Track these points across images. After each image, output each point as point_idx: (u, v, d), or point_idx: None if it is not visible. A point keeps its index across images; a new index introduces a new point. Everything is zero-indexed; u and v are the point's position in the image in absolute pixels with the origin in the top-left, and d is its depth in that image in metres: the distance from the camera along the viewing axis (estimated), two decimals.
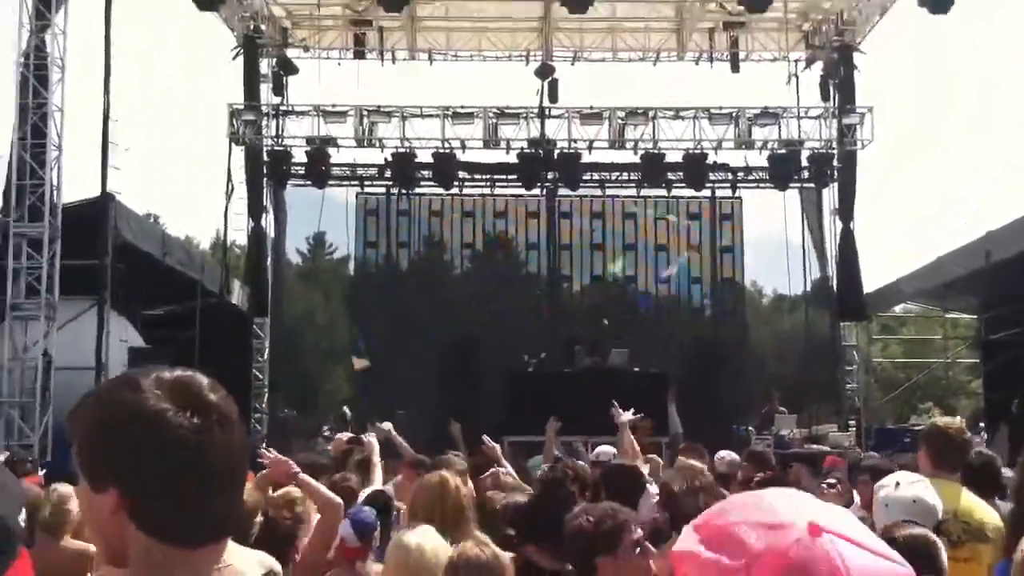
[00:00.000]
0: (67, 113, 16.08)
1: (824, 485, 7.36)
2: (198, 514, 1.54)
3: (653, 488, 5.22)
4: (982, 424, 17.05)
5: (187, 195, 66.54)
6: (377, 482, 6.80)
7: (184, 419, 1.51)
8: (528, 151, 21.28)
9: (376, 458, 7.25)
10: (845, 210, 21.85)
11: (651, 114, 21.20)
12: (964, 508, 4.69)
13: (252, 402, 19.49)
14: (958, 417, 5.28)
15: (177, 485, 1.51)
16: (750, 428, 17.48)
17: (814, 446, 16.49)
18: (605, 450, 9.09)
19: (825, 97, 22.29)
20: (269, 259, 21.99)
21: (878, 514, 4.01)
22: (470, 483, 5.66)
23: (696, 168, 21.35)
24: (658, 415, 16.08)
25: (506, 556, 3.57)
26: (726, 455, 9.06)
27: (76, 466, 1.56)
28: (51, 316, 15.15)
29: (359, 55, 22.50)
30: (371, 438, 7.72)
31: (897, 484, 4.14)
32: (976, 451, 6.73)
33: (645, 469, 6.96)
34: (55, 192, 15.89)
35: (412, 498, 4.82)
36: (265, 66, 22.31)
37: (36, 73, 16.06)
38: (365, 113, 21.14)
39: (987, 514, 4.76)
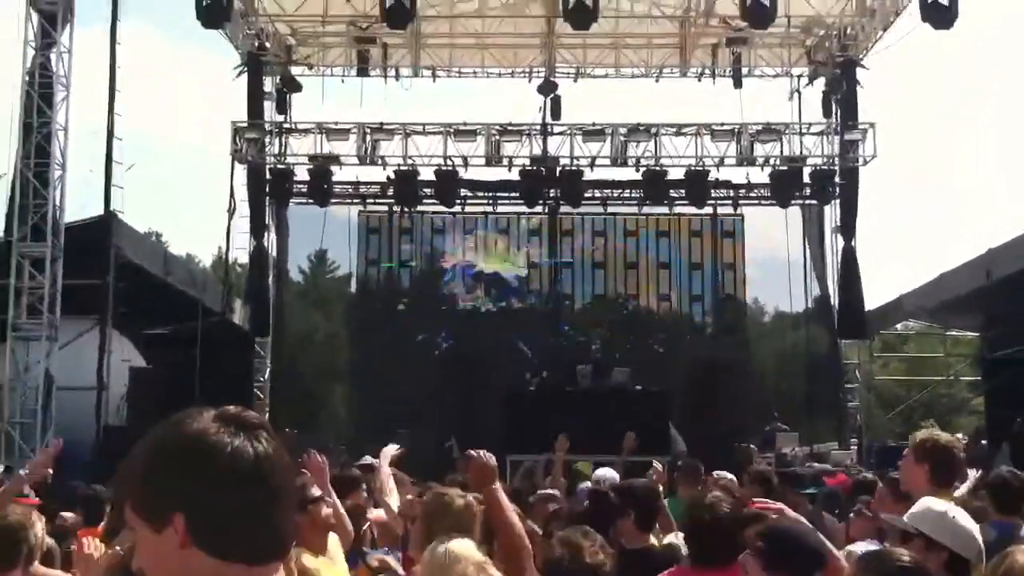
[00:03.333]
0: (70, 131, 16.18)
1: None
2: (261, 529, 1.62)
3: None
4: (984, 442, 16.97)
5: (190, 213, 66.70)
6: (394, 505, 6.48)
7: (239, 439, 1.62)
8: (530, 168, 21.33)
9: (391, 482, 6.91)
10: (847, 227, 21.83)
11: (653, 130, 21.20)
12: None
13: None
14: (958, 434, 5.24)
15: (241, 500, 1.60)
16: (752, 446, 17.44)
17: (816, 464, 16.48)
18: (604, 474, 9.10)
19: (827, 113, 22.30)
20: (271, 277, 22.08)
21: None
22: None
23: (698, 185, 21.35)
24: (660, 433, 16.04)
25: None
26: (722, 476, 9.06)
27: (131, 518, 1.65)
28: (52, 336, 15.17)
29: (363, 72, 22.51)
30: (380, 463, 7.40)
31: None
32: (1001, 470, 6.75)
33: None
34: (58, 211, 15.94)
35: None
36: (269, 84, 22.41)
37: (41, 92, 16.13)
38: (368, 131, 21.20)
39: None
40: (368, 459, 7.60)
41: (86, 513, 6.07)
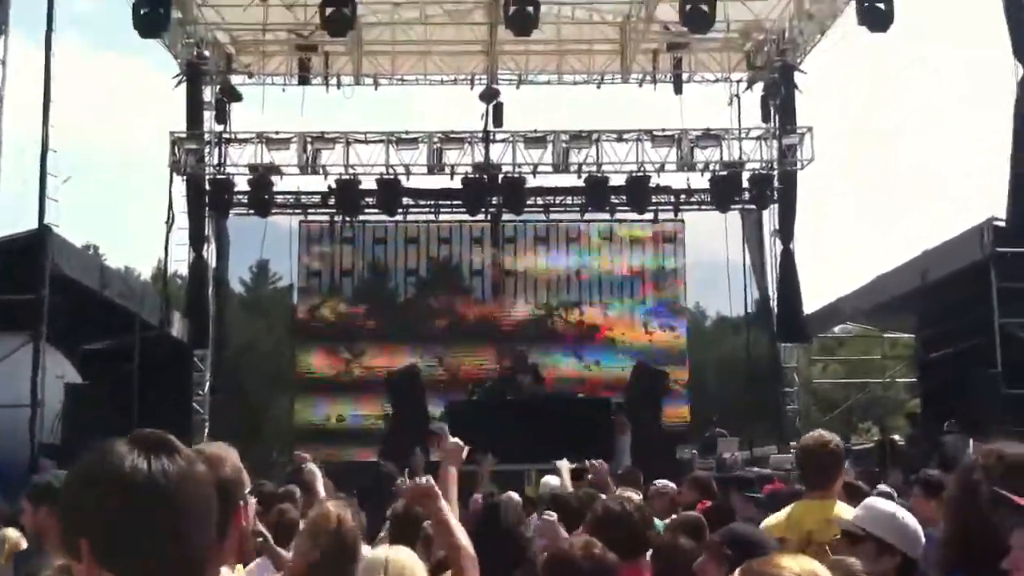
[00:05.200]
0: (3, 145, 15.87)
1: None
2: (166, 549, 1.60)
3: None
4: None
5: (127, 225, 65.85)
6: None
7: (137, 459, 1.61)
8: (472, 176, 21.31)
9: (319, 486, 6.78)
10: (785, 231, 22.12)
11: (594, 137, 21.30)
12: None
13: (193, 435, 19.24)
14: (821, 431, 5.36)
15: (139, 520, 1.59)
16: (694, 451, 17.56)
17: (755, 468, 16.59)
18: (549, 481, 9.11)
19: (766, 118, 22.51)
20: (211, 289, 21.86)
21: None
22: None
23: (639, 191, 21.48)
24: (604, 441, 16.08)
25: None
26: (660, 484, 9.11)
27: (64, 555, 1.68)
28: None
29: (304, 80, 22.43)
30: (311, 465, 7.24)
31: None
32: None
33: None
34: None
35: None
36: (208, 93, 22.19)
37: None
38: (308, 140, 21.09)
39: None
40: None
41: None
